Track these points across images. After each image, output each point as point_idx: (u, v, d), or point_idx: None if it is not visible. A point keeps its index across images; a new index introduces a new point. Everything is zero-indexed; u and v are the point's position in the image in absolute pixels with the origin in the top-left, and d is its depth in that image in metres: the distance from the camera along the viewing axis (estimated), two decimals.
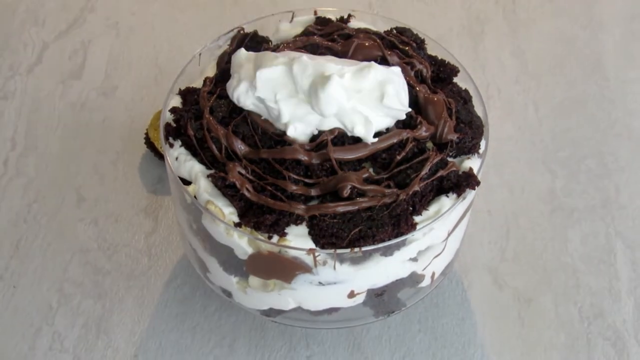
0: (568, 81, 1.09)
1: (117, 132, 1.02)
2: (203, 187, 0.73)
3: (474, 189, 0.74)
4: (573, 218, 0.95)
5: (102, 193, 0.97)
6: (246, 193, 0.71)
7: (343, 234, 0.70)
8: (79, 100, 1.06)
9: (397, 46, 0.81)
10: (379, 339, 0.86)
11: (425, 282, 0.80)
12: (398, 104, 0.73)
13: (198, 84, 0.81)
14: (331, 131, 0.73)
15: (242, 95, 0.74)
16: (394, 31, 0.84)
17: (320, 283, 0.74)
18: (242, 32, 0.84)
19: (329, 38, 0.81)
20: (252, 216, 0.70)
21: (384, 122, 0.74)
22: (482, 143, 0.77)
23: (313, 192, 0.71)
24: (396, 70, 0.75)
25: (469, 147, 0.76)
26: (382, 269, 0.73)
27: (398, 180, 0.72)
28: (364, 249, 0.70)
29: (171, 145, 0.77)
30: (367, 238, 0.70)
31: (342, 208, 0.70)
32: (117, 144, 1.01)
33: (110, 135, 1.02)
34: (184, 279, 0.90)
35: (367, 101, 0.73)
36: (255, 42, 0.83)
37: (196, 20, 1.16)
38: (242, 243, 0.72)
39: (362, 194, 0.71)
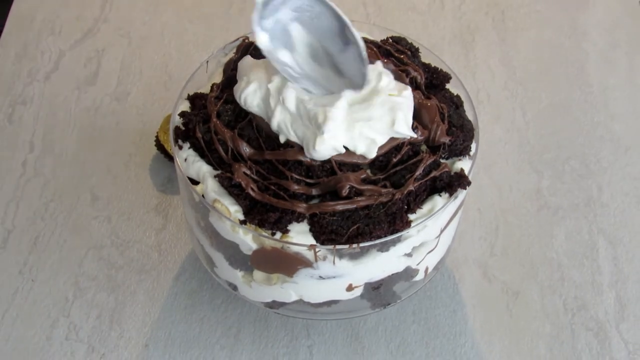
0: (553, 87, 1.09)
1: (129, 135, 1.02)
2: (210, 186, 0.73)
3: (465, 189, 0.74)
4: (558, 216, 0.95)
5: (115, 192, 0.97)
6: (251, 192, 0.71)
7: (342, 231, 0.70)
8: (94, 105, 1.06)
9: (393, 54, 0.81)
10: (376, 330, 0.86)
11: (419, 276, 0.80)
12: (407, 129, 0.72)
13: (206, 89, 0.81)
14: None
15: (250, 96, 0.74)
16: (390, 40, 0.84)
17: (320, 277, 0.74)
18: (246, 41, 0.84)
19: None
20: (256, 214, 0.70)
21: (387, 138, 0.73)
22: (473, 145, 0.77)
23: (314, 191, 0.71)
24: (408, 93, 0.74)
25: (461, 149, 0.76)
26: (379, 263, 0.73)
27: (394, 181, 0.72)
28: (361, 245, 0.70)
29: (180, 147, 0.76)
30: (365, 235, 0.70)
31: (341, 206, 0.70)
32: (129, 146, 1.01)
33: (122, 138, 1.02)
34: (192, 273, 0.90)
35: (376, 126, 0.71)
36: (259, 50, 0.83)
37: (204, 30, 1.16)
38: (247, 239, 0.72)
39: (360, 194, 0.71)
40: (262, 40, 0.72)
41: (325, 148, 0.70)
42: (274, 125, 0.72)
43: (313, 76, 0.73)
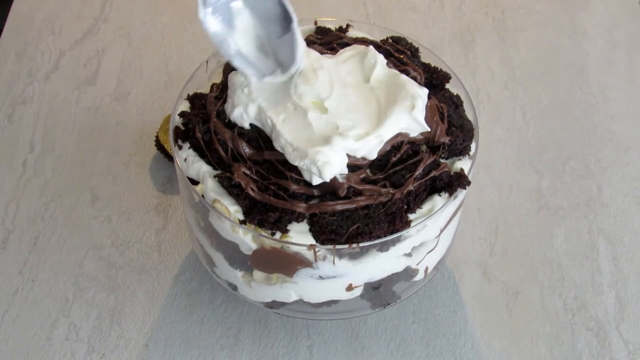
0: (553, 87, 1.09)
1: (129, 135, 1.02)
2: (210, 186, 0.73)
3: (465, 189, 0.74)
4: (558, 216, 0.95)
5: (115, 192, 0.96)
6: (251, 192, 0.71)
7: (342, 231, 0.70)
8: (94, 105, 1.06)
9: (393, 54, 0.81)
10: (376, 330, 0.86)
11: (419, 276, 0.80)
12: (423, 120, 0.73)
13: (205, 89, 0.81)
14: None
15: (238, 119, 0.74)
16: (390, 40, 0.84)
17: (320, 277, 0.74)
18: None
19: (329, 47, 0.81)
20: (256, 214, 0.70)
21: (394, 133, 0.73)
22: (473, 145, 0.77)
23: (314, 191, 0.71)
24: (425, 91, 0.75)
25: (460, 149, 0.76)
26: (379, 263, 0.73)
27: (393, 181, 0.72)
28: (361, 244, 0.70)
29: (180, 147, 0.76)
30: (365, 234, 0.70)
31: (340, 206, 0.70)
32: (129, 146, 1.01)
33: (122, 138, 1.02)
34: (192, 273, 0.90)
35: (397, 108, 0.72)
36: None
37: (204, 30, 1.15)
38: (247, 239, 0.72)
39: (359, 193, 0.71)
40: (201, 14, 0.72)
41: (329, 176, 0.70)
42: (278, 147, 0.72)
43: (246, 55, 0.73)
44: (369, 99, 0.74)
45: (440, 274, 0.89)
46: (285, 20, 0.72)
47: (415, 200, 0.72)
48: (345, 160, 0.70)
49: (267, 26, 0.73)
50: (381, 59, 0.76)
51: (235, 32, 0.73)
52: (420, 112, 0.72)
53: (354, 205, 0.70)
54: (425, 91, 0.75)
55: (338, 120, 0.72)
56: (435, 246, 0.78)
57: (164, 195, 0.96)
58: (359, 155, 0.71)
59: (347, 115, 0.72)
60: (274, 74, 0.73)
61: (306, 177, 0.70)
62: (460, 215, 0.81)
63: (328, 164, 0.69)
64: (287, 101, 0.73)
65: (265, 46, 0.74)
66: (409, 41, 0.84)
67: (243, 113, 0.73)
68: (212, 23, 0.72)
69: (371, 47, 0.77)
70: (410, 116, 0.72)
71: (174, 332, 0.85)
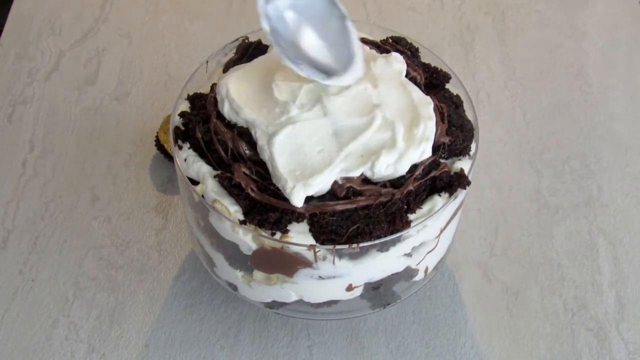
0: (553, 87, 1.09)
1: (129, 135, 1.02)
2: (210, 186, 0.73)
3: (465, 189, 0.74)
4: (558, 216, 0.95)
5: (115, 192, 0.96)
6: (251, 192, 0.71)
7: (342, 231, 0.70)
8: (94, 105, 1.06)
9: None
10: (376, 330, 0.86)
11: (419, 276, 0.80)
12: (432, 135, 0.73)
13: (205, 89, 0.81)
14: None
15: (233, 117, 0.75)
16: (390, 40, 0.84)
17: (320, 277, 0.74)
18: (246, 41, 0.84)
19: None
20: (256, 214, 0.70)
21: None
22: (473, 145, 0.77)
23: None
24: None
25: (460, 149, 0.76)
26: (379, 263, 0.73)
27: (393, 181, 0.72)
28: (361, 244, 0.70)
29: (180, 148, 0.76)
30: (365, 235, 0.70)
31: (340, 206, 0.70)
32: (129, 146, 1.01)
33: (122, 138, 1.02)
34: (192, 273, 0.90)
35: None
36: (259, 50, 0.83)
37: (204, 30, 1.16)
38: (247, 239, 0.72)
39: (359, 194, 0.71)
40: (265, 27, 0.71)
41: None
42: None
43: (309, 60, 0.73)
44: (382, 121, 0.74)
45: (440, 274, 0.89)
46: (339, 18, 0.73)
47: (415, 201, 0.72)
48: (328, 185, 0.70)
49: (321, 29, 0.73)
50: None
51: (295, 40, 0.73)
52: (430, 142, 0.73)
53: (354, 206, 0.70)
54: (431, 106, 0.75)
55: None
56: (435, 246, 0.77)
57: (164, 195, 0.96)
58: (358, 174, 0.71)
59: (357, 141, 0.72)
60: (338, 77, 0.72)
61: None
62: (460, 215, 0.81)
63: (295, 191, 0.69)
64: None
65: (323, 49, 0.74)
66: (409, 41, 0.84)
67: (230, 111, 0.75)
68: (275, 35, 0.72)
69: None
70: (421, 148, 0.72)
71: (174, 332, 0.85)
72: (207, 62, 0.83)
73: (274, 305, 0.79)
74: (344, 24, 0.74)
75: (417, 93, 0.76)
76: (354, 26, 0.74)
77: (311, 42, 0.73)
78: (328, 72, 0.73)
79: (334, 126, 0.72)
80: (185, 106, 0.80)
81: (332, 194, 0.71)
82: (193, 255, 0.91)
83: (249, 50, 0.83)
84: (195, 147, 0.76)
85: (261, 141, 0.72)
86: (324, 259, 0.71)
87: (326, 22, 0.73)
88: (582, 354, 0.84)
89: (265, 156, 0.72)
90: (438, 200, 0.73)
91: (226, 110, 0.75)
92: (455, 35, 1.15)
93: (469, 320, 0.87)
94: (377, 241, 0.70)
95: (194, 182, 0.75)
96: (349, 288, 0.76)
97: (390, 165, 0.71)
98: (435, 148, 0.74)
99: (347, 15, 0.73)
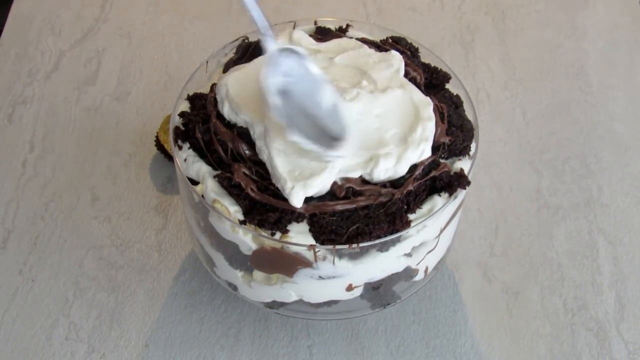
0: (553, 87, 1.09)
1: (129, 135, 1.02)
2: (210, 186, 0.73)
3: (465, 189, 0.74)
4: (558, 216, 0.95)
5: (115, 192, 0.97)
6: (250, 192, 0.71)
7: (342, 231, 0.70)
8: (94, 105, 1.06)
9: None
10: (376, 330, 0.86)
11: (419, 276, 0.80)
12: (431, 136, 0.73)
13: (205, 89, 0.81)
14: None
15: (232, 117, 0.75)
16: (390, 40, 0.84)
17: (320, 277, 0.74)
18: (246, 41, 0.84)
19: None
20: (256, 214, 0.70)
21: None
22: (473, 145, 0.77)
23: None
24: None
25: (460, 149, 0.76)
26: (379, 263, 0.73)
27: (393, 181, 0.72)
28: (361, 244, 0.70)
29: (180, 148, 0.76)
30: (365, 235, 0.70)
31: (340, 206, 0.70)
32: (129, 146, 1.01)
33: (122, 138, 1.02)
34: (192, 273, 0.90)
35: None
36: (258, 50, 0.83)
37: (204, 30, 1.16)
38: (247, 239, 0.72)
39: (359, 194, 0.71)
40: (274, 101, 0.70)
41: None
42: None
43: (308, 135, 0.71)
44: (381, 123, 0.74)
45: (440, 274, 0.89)
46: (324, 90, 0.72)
47: (415, 201, 0.72)
48: (327, 186, 0.70)
49: (312, 103, 0.72)
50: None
51: (294, 117, 0.71)
52: (430, 142, 0.73)
53: (354, 206, 0.70)
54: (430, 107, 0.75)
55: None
56: (435, 246, 0.78)
57: (164, 195, 0.96)
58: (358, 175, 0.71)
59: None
60: (332, 148, 0.71)
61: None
62: (460, 215, 0.81)
63: (295, 191, 0.69)
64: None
65: (317, 121, 0.72)
66: (409, 41, 0.84)
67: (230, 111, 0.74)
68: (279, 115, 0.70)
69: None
70: (420, 149, 0.72)
71: (174, 332, 0.85)
72: (207, 62, 0.83)
73: (274, 305, 0.79)
74: (334, 101, 0.72)
75: (416, 94, 0.76)
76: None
77: (304, 115, 0.72)
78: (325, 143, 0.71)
79: None
80: (185, 106, 0.80)
81: (332, 194, 0.71)
82: (193, 255, 0.91)
83: (249, 50, 0.83)
84: (195, 147, 0.76)
85: (260, 141, 0.72)
86: (324, 259, 0.71)
87: (315, 97, 0.72)
88: (582, 354, 0.84)
89: (264, 156, 0.72)
90: (438, 200, 0.73)
91: (226, 110, 0.75)
92: (455, 35, 1.15)
93: (469, 320, 0.87)
94: (377, 241, 0.70)
95: (194, 182, 0.75)
96: (349, 288, 0.76)
97: (390, 169, 0.71)
98: (435, 148, 0.74)
99: (339, 95, 0.72)
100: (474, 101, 0.82)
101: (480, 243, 0.93)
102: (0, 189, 0.96)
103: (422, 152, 0.72)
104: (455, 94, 0.81)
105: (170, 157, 0.97)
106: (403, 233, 0.71)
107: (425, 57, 0.84)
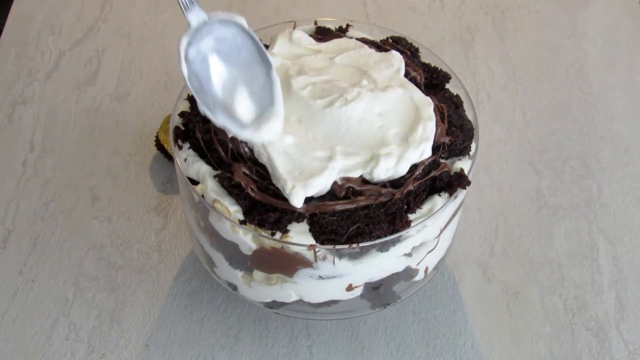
0: (553, 87, 1.09)
1: (129, 135, 1.02)
2: (210, 186, 0.73)
3: (465, 189, 0.74)
4: (558, 216, 0.95)
5: (115, 192, 0.97)
6: (251, 192, 0.71)
7: (342, 231, 0.70)
8: (94, 105, 1.06)
9: None
10: (376, 330, 0.86)
11: (419, 276, 0.80)
12: (432, 135, 0.73)
13: None
14: None
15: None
16: (390, 40, 0.84)
17: (320, 277, 0.74)
18: None
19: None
20: (256, 214, 0.70)
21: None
22: (473, 145, 0.77)
23: None
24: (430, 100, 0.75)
25: (460, 149, 0.76)
26: (379, 263, 0.73)
27: (393, 180, 0.72)
28: (361, 244, 0.70)
29: (180, 148, 0.76)
30: (365, 234, 0.70)
31: (340, 206, 0.70)
32: (129, 146, 1.01)
33: (122, 138, 1.02)
34: (192, 273, 0.90)
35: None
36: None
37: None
38: (247, 239, 0.72)
39: (359, 193, 0.71)
40: (184, 70, 0.70)
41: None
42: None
43: (226, 107, 0.71)
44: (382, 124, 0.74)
45: (440, 274, 0.89)
46: (265, 65, 0.71)
47: (415, 201, 0.72)
48: (327, 185, 0.70)
49: (247, 76, 0.71)
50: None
51: (214, 85, 0.71)
52: (430, 142, 0.73)
53: (354, 206, 0.70)
54: (431, 107, 0.75)
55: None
56: (435, 246, 0.78)
57: (164, 195, 0.96)
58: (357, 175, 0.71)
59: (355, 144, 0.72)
60: (253, 127, 0.70)
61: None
62: (460, 215, 0.81)
63: (295, 191, 0.69)
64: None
65: (245, 97, 0.72)
66: (409, 41, 0.84)
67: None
68: (194, 80, 0.70)
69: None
70: (420, 148, 0.72)
71: (174, 332, 0.85)
72: None
73: (274, 305, 0.79)
74: (269, 73, 0.71)
75: (417, 93, 0.76)
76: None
77: (232, 88, 0.71)
78: (244, 122, 0.71)
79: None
80: (185, 106, 0.80)
81: (332, 194, 0.71)
82: (193, 255, 0.91)
83: None
84: (195, 147, 0.76)
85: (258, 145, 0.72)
86: (324, 258, 0.71)
87: (250, 69, 0.71)
88: (582, 354, 0.84)
89: (263, 158, 0.72)
90: (438, 200, 0.73)
91: None
92: (455, 35, 1.15)
93: (469, 320, 0.87)
94: (377, 241, 0.70)
95: (194, 182, 0.75)
96: (349, 288, 0.76)
97: (390, 169, 0.71)
98: (435, 148, 0.74)
99: (273, 64, 0.71)
100: (474, 101, 0.82)
101: (480, 243, 0.93)
102: (0, 189, 0.96)
103: (422, 152, 0.72)
104: (455, 94, 0.81)
105: (170, 157, 0.97)
106: (403, 233, 0.71)
107: (425, 57, 0.84)
